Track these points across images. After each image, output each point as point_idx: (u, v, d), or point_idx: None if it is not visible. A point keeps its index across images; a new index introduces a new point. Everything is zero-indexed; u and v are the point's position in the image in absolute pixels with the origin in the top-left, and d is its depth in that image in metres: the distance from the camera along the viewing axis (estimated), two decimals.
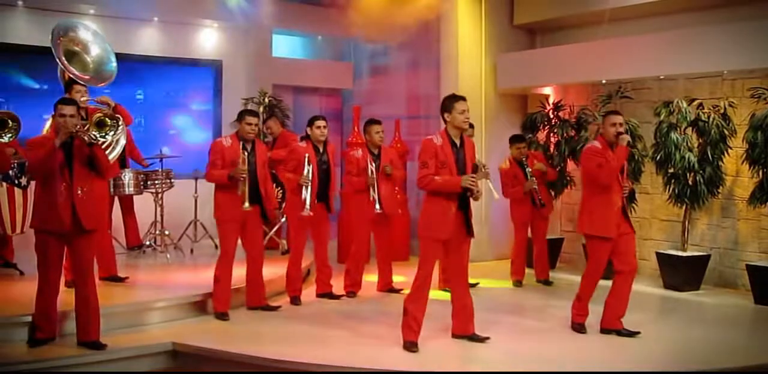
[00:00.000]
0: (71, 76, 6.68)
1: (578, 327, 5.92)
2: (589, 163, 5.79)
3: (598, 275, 5.91)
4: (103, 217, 6.86)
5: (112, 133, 5.36)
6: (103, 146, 6.54)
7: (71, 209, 5.09)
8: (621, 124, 5.78)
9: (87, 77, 6.78)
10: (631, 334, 5.76)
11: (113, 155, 6.72)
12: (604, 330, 5.85)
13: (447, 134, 5.31)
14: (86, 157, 5.17)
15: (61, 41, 6.74)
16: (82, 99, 6.55)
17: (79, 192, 5.13)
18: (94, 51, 7.00)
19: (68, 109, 5.14)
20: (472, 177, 5.20)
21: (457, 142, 5.34)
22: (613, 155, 5.69)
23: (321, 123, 6.75)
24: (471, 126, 6.09)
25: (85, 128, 5.25)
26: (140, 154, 8.42)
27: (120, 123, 6.69)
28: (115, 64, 7.05)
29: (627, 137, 5.76)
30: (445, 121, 5.34)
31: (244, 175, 6.13)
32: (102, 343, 5.26)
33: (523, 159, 7.72)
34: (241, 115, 6.32)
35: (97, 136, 5.23)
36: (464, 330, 5.55)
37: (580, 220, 5.95)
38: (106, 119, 5.35)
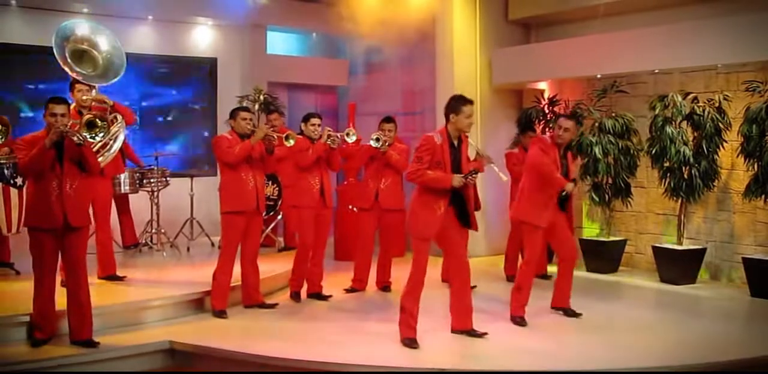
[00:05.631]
0: (72, 76, 6.68)
1: (519, 320, 5.94)
2: (535, 150, 6.03)
3: (534, 262, 6.07)
4: (103, 216, 6.88)
5: (102, 134, 5.36)
6: (102, 142, 6.58)
7: (62, 205, 5.10)
8: (567, 130, 6.01)
9: (91, 75, 6.75)
10: (575, 314, 6.16)
11: (112, 151, 6.71)
12: (554, 309, 6.27)
13: (447, 133, 5.32)
14: (76, 154, 5.18)
15: (66, 44, 6.70)
16: (83, 98, 6.54)
17: (68, 188, 5.15)
18: (104, 46, 6.94)
19: (59, 108, 5.14)
20: (464, 177, 5.21)
21: (456, 142, 5.37)
22: (555, 154, 5.97)
23: (316, 121, 6.79)
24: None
25: (76, 128, 5.24)
26: (133, 152, 8.37)
27: (119, 121, 6.72)
28: (123, 63, 6.98)
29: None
30: (448, 120, 5.34)
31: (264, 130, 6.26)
32: (95, 342, 5.26)
33: None
34: (234, 113, 6.36)
35: (87, 137, 5.22)
36: (463, 326, 5.56)
37: (515, 206, 6.20)
38: (97, 120, 5.36)
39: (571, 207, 6.22)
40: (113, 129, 6.68)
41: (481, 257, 8.99)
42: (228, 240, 6.29)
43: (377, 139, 6.97)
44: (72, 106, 6.44)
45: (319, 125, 6.78)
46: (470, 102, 5.34)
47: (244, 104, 9.46)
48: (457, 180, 5.15)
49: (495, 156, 8.09)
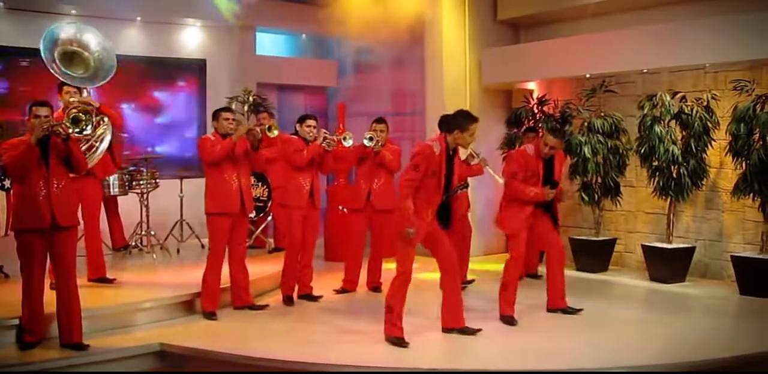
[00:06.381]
0: (61, 78, 6.64)
1: (508, 319, 5.96)
2: (508, 168, 6.22)
3: (518, 261, 6.11)
4: (93, 218, 6.83)
5: (89, 127, 5.34)
6: (87, 145, 6.55)
7: (49, 205, 5.08)
8: (552, 148, 6.02)
9: (79, 77, 6.71)
10: (575, 311, 6.17)
11: (98, 152, 6.67)
12: (550, 310, 6.24)
13: (446, 144, 5.35)
14: (62, 153, 5.16)
15: (55, 48, 6.65)
16: (71, 100, 6.50)
17: (55, 188, 5.12)
18: (94, 47, 6.90)
19: (42, 110, 5.13)
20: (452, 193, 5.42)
21: (451, 151, 5.42)
22: (536, 166, 6.01)
23: (311, 122, 6.78)
24: None
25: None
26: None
27: (105, 122, 6.69)
28: (114, 64, 6.95)
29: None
30: (449, 133, 5.33)
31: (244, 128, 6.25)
32: (85, 344, 5.23)
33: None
34: (216, 114, 6.36)
35: (72, 129, 5.20)
36: (454, 324, 5.57)
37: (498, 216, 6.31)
38: (80, 114, 5.34)
39: (556, 207, 6.24)
40: (99, 130, 6.65)
41: (473, 257, 8.96)
42: (215, 241, 6.28)
43: (370, 138, 6.97)
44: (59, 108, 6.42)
45: (314, 127, 6.77)
46: (477, 120, 5.36)
47: (234, 105, 9.44)
48: (407, 234, 5.22)
49: (486, 155, 8.15)
